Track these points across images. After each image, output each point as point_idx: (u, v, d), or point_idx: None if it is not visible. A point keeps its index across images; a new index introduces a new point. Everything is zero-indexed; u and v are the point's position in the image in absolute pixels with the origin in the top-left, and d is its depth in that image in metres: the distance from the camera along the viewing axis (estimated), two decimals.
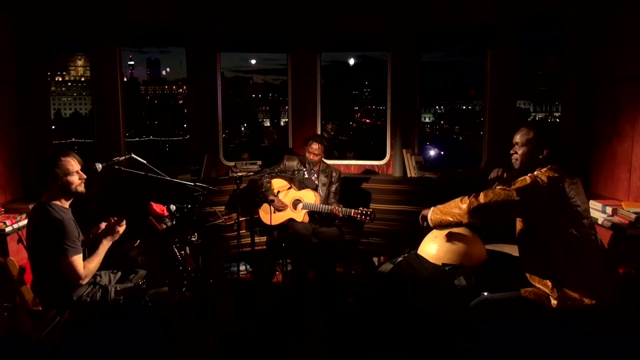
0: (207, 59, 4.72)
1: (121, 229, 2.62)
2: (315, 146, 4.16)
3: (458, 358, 2.52)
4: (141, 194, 3.56)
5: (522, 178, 2.28)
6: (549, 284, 2.23)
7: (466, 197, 2.31)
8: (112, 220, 2.65)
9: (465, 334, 2.41)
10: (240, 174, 3.86)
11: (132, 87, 62.50)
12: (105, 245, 2.58)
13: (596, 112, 3.37)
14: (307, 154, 4.20)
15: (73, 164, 2.50)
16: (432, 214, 2.46)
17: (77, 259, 2.41)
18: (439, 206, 2.44)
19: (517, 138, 2.39)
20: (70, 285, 2.47)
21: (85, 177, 2.56)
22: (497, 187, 2.32)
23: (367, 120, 63.57)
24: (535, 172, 2.29)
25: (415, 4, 4.51)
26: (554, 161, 2.29)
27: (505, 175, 2.58)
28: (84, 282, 2.46)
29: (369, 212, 3.89)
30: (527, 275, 2.36)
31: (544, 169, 2.27)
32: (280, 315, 3.59)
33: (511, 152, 2.41)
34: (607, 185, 3.23)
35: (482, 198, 2.25)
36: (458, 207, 2.32)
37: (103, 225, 2.70)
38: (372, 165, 4.98)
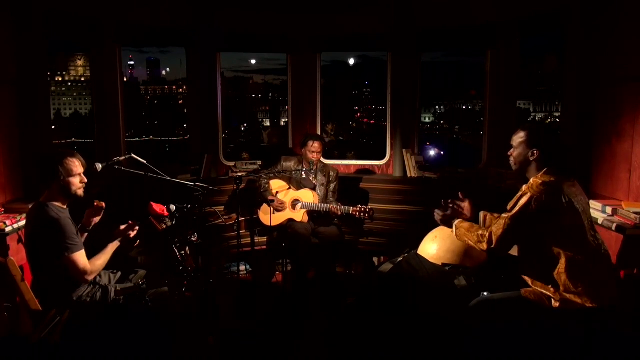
0: (207, 59, 4.72)
1: (133, 233, 2.69)
2: (316, 144, 4.15)
3: (458, 358, 2.52)
4: (141, 194, 3.56)
5: (518, 195, 2.29)
6: (551, 289, 2.23)
7: (485, 238, 2.31)
8: (96, 203, 2.70)
9: (465, 334, 2.41)
10: (240, 174, 3.86)
11: (132, 87, 62.54)
12: (115, 245, 2.63)
13: (596, 112, 3.37)
14: (309, 154, 4.18)
15: (78, 165, 2.51)
16: (457, 232, 2.49)
17: (80, 255, 2.42)
18: (463, 229, 2.46)
19: (513, 140, 2.42)
20: (70, 284, 2.47)
21: (86, 181, 2.57)
22: (502, 216, 2.32)
23: (367, 120, 63.57)
24: (530, 181, 2.29)
25: (415, 4, 4.51)
26: (548, 163, 2.29)
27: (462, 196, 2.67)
28: (90, 277, 2.47)
29: (367, 210, 3.89)
30: (529, 279, 2.35)
31: (540, 175, 2.28)
32: (280, 315, 3.59)
33: (508, 154, 2.44)
34: (607, 185, 3.23)
35: (494, 238, 2.28)
36: (480, 246, 2.35)
37: (122, 227, 2.72)
38: (372, 165, 4.98)
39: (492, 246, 2.28)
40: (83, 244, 2.55)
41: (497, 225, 2.29)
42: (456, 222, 2.51)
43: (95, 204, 2.71)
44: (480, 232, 2.37)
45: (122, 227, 2.71)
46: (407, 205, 4.56)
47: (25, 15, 3.41)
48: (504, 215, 2.31)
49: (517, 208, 2.24)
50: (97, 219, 2.75)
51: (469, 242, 2.41)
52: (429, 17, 4.51)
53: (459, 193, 2.68)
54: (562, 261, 2.19)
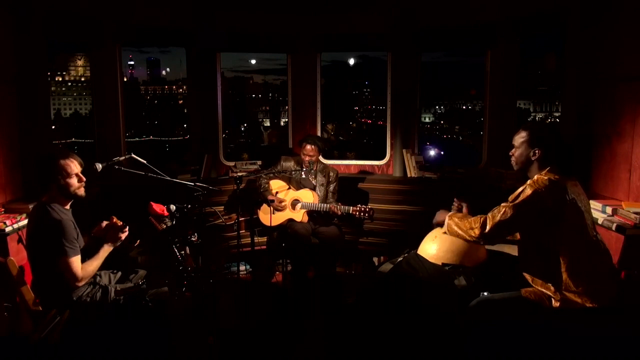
0: (207, 59, 4.72)
1: (124, 235, 2.63)
2: (308, 147, 4.16)
3: (458, 358, 2.52)
4: (141, 194, 3.57)
5: (522, 188, 2.29)
6: (552, 288, 2.23)
7: (478, 223, 2.31)
8: (114, 219, 2.66)
9: (465, 334, 2.41)
10: (240, 174, 3.86)
11: (132, 87, 62.57)
12: (107, 249, 2.58)
13: (596, 112, 3.37)
14: (302, 156, 4.19)
15: (73, 166, 2.48)
16: (449, 223, 2.49)
17: (75, 260, 2.41)
18: (456, 218, 2.47)
19: (514, 140, 2.41)
20: (69, 285, 2.47)
21: (85, 179, 2.55)
22: (502, 204, 2.32)
23: (366, 120, 63.57)
24: (535, 177, 2.29)
25: (416, 3, 4.51)
26: (550, 162, 2.29)
27: (465, 208, 2.66)
28: (81, 284, 2.46)
29: (367, 210, 3.89)
30: (529, 278, 2.35)
31: (544, 172, 2.28)
32: (280, 315, 3.59)
33: (510, 153, 2.43)
34: (607, 185, 3.23)
35: (489, 223, 2.28)
36: (472, 233, 2.35)
37: (104, 224, 2.70)
38: (372, 165, 4.98)
39: (486, 231, 2.27)
40: (81, 248, 2.54)
41: (496, 211, 2.29)
42: (450, 214, 2.53)
43: (113, 221, 2.65)
44: (473, 219, 2.36)
45: (103, 224, 2.67)
46: (407, 205, 4.56)
47: (25, 15, 3.41)
48: (504, 204, 2.31)
49: (520, 198, 2.24)
50: (121, 235, 2.65)
51: (460, 231, 2.41)
52: (429, 17, 4.51)
53: (454, 199, 2.71)
54: (563, 260, 2.19)
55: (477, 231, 2.31)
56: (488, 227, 2.27)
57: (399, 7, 4.56)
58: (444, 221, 2.56)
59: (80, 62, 59.93)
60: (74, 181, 2.48)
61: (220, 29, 4.63)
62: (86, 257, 2.52)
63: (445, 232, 2.59)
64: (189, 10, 4.51)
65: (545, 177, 2.23)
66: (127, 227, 2.64)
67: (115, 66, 4.26)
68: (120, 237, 2.61)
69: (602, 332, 2.16)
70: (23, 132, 3.45)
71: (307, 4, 4.64)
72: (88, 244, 2.64)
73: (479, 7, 4.30)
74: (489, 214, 2.31)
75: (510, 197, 2.34)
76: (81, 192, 2.52)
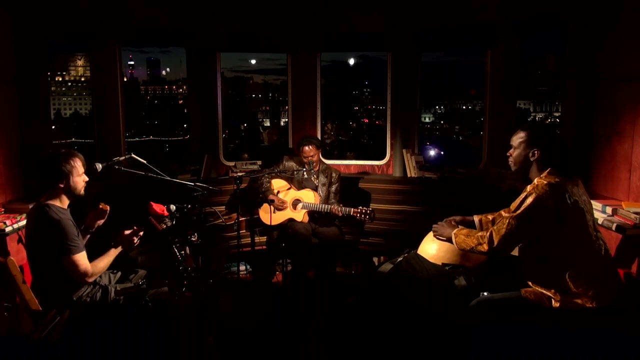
0: (207, 59, 4.72)
1: (137, 239, 2.70)
2: (306, 149, 4.15)
3: (457, 358, 2.52)
4: (141, 194, 3.56)
5: (524, 196, 2.27)
6: (552, 289, 2.23)
7: (486, 238, 2.29)
8: (101, 206, 2.70)
9: (465, 334, 2.41)
10: (240, 174, 3.86)
11: (132, 87, 62.63)
12: (118, 250, 2.64)
13: (596, 112, 3.36)
14: (304, 159, 4.19)
15: (81, 164, 2.54)
16: (456, 241, 2.45)
17: (81, 257, 2.43)
18: (462, 236, 2.43)
19: (512, 140, 2.40)
20: (71, 284, 2.48)
21: (87, 179, 2.59)
22: (505, 215, 2.31)
23: (367, 120, 63.61)
24: (535, 182, 2.27)
25: (416, 3, 4.51)
26: (549, 163, 2.27)
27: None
28: (91, 279, 2.48)
29: (368, 212, 3.88)
30: (529, 279, 2.35)
31: (544, 175, 2.26)
32: (280, 315, 3.59)
33: (507, 154, 2.42)
34: (607, 185, 3.23)
35: (495, 237, 2.25)
36: (480, 249, 2.32)
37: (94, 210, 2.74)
38: (372, 165, 4.98)
39: (494, 246, 2.25)
40: (84, 246, 2.55)
41: (500, 224, 2.27)
42: (455, 231, 2.49)
43: (100, 206, 2.71)
44: (480, 234, 2.34)
45: (127, 232, 2.70)
46: (407, 205, 4.56)
47: (25, 15, 3.41)
48: (506, 214, 2.30)
49: (522, 208, 2.21)
50: (101, 222, 2.75)
51: (469, 246, 2.38)
52: (429, 17, 4.51)
53: (452, 220, 2.70)
54: (564, 261, 2.19)
55: (485, 246, 2.28)
56: (495, 242, 2.25)
57: (399, 7, 4.56)
58: (449, 236, 2.53)
59: (80, 62, 59.97)
60: (80, 180, 2.52)
61: (220, 29, 4.63)
62: (92, 253, 2.54)
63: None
64: (189, 10, 4.51)
65: (545, 182, 2.21)
66: (142, 232, 2.71)
67: (115, 66, 4.26)
68: (134, 240, 2.68)
69: (602, 332, 2.16)
70: (23, 132, 3.45)
71: (307, 4, 4.64)
72: (91, 241, 2.67)
73: (479, 7, 4.30)
74: (494, 228, 2.29)
75: (512, 206, 2.33)
76: (83, 192, 2.57)
